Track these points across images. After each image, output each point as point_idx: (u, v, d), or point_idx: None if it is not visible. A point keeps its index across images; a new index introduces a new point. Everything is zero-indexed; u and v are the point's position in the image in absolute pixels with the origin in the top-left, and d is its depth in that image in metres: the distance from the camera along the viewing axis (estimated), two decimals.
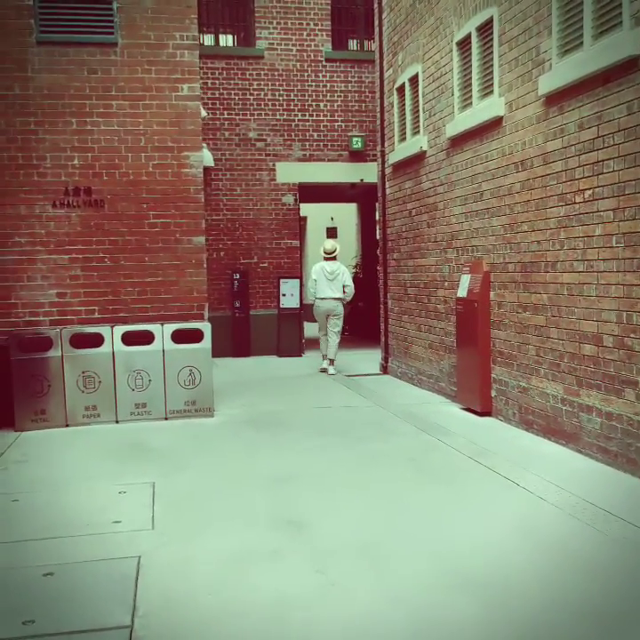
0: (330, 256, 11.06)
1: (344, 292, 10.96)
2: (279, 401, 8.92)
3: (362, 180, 13.82)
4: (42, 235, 7.75)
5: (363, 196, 16.92)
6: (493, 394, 7.49)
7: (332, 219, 22.86)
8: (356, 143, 13.74)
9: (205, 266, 8.19)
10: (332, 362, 10.95)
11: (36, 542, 4.37)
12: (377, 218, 19.41)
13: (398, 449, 6.41)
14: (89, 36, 7.81)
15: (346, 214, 22.33)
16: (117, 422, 7.72)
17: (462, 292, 7.86)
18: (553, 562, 3.89)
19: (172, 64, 8.00)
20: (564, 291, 6.16)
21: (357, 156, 13.83)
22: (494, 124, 7.27)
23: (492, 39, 7.33)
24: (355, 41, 14.28)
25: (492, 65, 7.35)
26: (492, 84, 7.34)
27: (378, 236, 20.20)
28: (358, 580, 3.71)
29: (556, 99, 6.19)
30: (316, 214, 21.42)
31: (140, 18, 7.91)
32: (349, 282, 11.04)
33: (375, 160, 13.24)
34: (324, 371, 11.02)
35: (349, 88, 13.84)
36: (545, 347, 6.48)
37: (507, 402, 7.22)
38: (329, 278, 10.90)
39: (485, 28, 7.46)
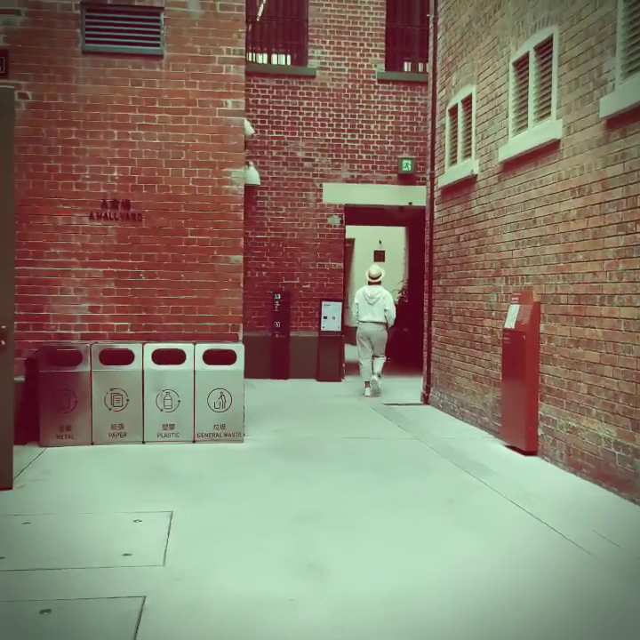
0: (374, 281, 11.19)
1: (385, 317, 11.02)
2: (313, 428, 8.57)
3: (410, 203, 13.48)
4: (77, 247, 7.59)
5: (411, 220, 16.56)
6: (540, 432, 7.02)
7: (380, 242, 22.53)
8: (406, 166, 13.42)
9: (242, 285, 7.93)
10: (379, 376, 11.10)
11: (40, 572, 4.09)
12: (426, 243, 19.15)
13: (435, 488, 6.00)
14: (134, 47, 7.67)
15: (394, 238, 21.99)
16: (144, 443, 7.46)
17: (510, 323, 7.43)
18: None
19: (218, 78, 7.81)
20: (622, 326, 5.71)
21: (407, 179, 13.50)
22: (551, 148, 6.88)
23: (550, 59, 6.96)
24: (408, 62, 14.03)
25: (550, 86, 6.97)
26: (550, 106, 6.96)
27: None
28: None
29: (618, 121, 5.78)
30: (364, 237, 21.12)
31: (186, 30, 7.76)
32: (389, 306, 11.06)
33: (425, 183, 12.93)
34: (367, 396, 10.99)
35: (401, 110, 13.55)
36: (598, 385, 6.02)
37: (554, 442, 6.75)
38: (370, 302, 11.03)
39: (544, 48, 7.09)
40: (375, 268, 11.38)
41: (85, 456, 6.96)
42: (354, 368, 14.49)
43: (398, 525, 5.02)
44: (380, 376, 11.17)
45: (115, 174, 7.66)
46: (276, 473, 6.44)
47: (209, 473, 6.40)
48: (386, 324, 11.06)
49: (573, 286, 6.46)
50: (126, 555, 4.37)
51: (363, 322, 11.02)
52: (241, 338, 7.86)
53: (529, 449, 7.09)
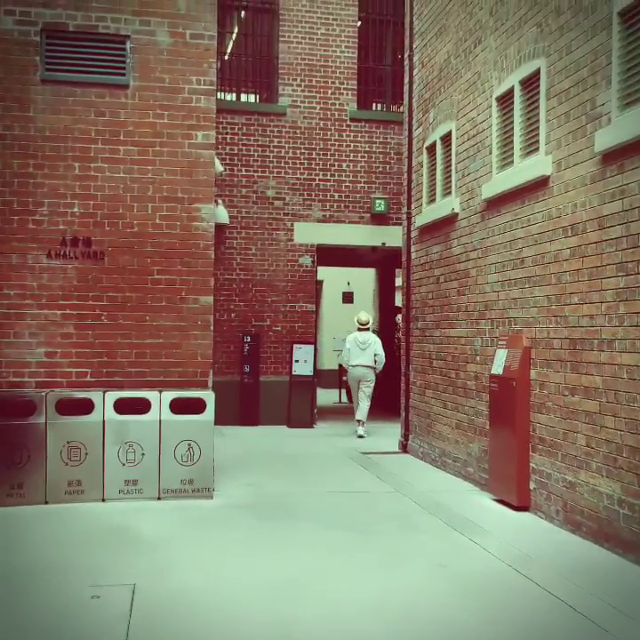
0: (364, 327, 11.87)
1: (375, 361, 11.67)
2: (287, 481, 8.00)
3: (383, 243, 13.13)
4: (33, 287, 7.01)
5: (382, 261, 16.26)
6: (532, 486, 6.56)
7: (348, 283, 22.20)
8: (379, 206, 13.10)
9: (212, 328, 7.42)
10: (361, 422, 11.53)
11: None
12: (398, 284, 18.81)
13: (424, 550, 5.48)
14: (98, 76, 7.20)
15: (363, 279, 21.68)
16: (104, 500, 6.82)
17: (498, 369, 7.01)
18: None
19: (187, 109, 7.38)
20: (624, 373, 5.31)
21: (380, 219, 13.18)
22: (539, 185, 6.55)
23: (537, 93, 6.67)
24: (380, 102, 13.79)
25: (537, 120, 6.67)
26: (538, 142, 6.65)
27: (398, 303, 19.59)
28: None
29: (615, 156, 5.46)
30: (333, 278, 20.76)
31: (154, 60, 7.33)
32: (380, 351, 11.73)
33: (398, 223, 12.59)
34: (360, 437, 11.35)
35: (374, 149, 13.28)
36: (598, 437, 5.59)
37: (548, 497, 6.29)
38: (361, 348, 11.69)
39: (530, 82, 6.81)
40: (365, 315, 12.02)
41: (39, 517, 6.32)
42: (326, 413, 14.00)
43: (388, 598, 4.48)
44: (363, 423, 11.57)
45: (75, 210, 7.13)
46: (248, 534, 5.86)
47: (175, 536, 5.80)
48: (374, 368, 11.71)
49: (567, 330, 6.07)
50: None
51: (354, 366, 11.68)
52: (211, 385, 7.32)
53: (520, 504, 6.62)
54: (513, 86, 7.09)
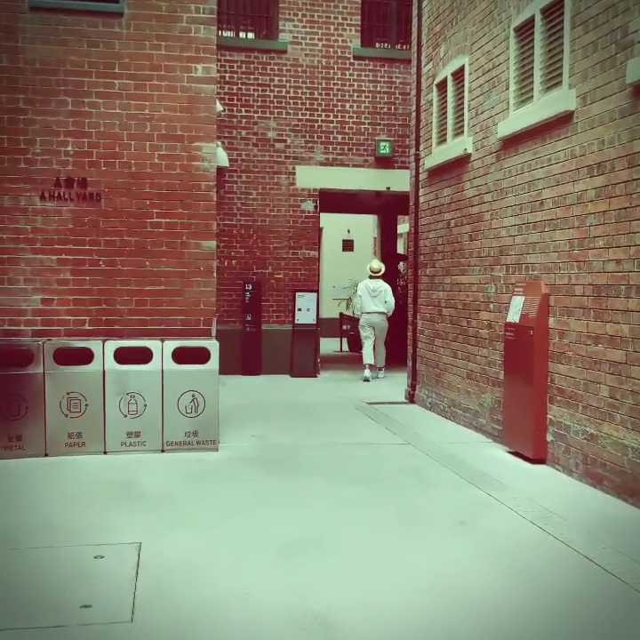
0: (376, 275, 12.16)
1: (385, 307, 12.04)
2: (293, 432, 7.77)
3: (388, 188, 12.70)
4: (27, 231, 6.66)
5: (385, 207, 15.82)
6: (549, 438, 6.33)
7: (348, 231, 21.79)
8: (384, 148, 12.62)
9: (215, 274, 7.09)
10: (380, 369, 12.17)
11: None
12: (400, 231, 18.40)
13: (442, 506, 5.26)
14: (90, 2, 6.73)
15: (363, 227, 21.29)
16: (105, 453, 6.59)
17: (514, 317, 6.72)
18: None
19: (186, 40, 6.92)
20: None
21: (384, 163, 12.72)
22: (562, 121, 6.15)
23: (561, 22, 6.22)
24: (385, 40, 13.19)
25: (560, 52, 6.24)
26: (560, 75, 6.23)
27: (401, 251, 19.21)
28: None
29: None
30: (333, 226, 20.32)
31: None
32: (389, 298, 12.06)
33: (403, 167, 12.20)
34: (366, 380, 11.76)
35: (378, 88, 12.74)
36: (624, 388, 5.33)
37: (567, 449, 6.06)
38: (372, 295, 12.04)
39: (553, 9, 6.35)
40: (377, 263, 12.35)
41: (38, 470, 6.08)
42: (329, 362, 13.77)
43: (412, 556, 4.27)
44: (382, 369, 12.17)
45: (69, 148, 6.73)
46: (257, 489, 5.63)
47: (181, 491, 5.56)
48: (387, 314, 12.04)
49: (591, 276, 5.75)
50: (85, 606, 3.55)
51: (367, 313, 12.01)
52: (214, 333, 7.02)
53: (537, 456, 6.40)
54: (533, 15, 6.63)
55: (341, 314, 17.27)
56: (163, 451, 6.68)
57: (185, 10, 6.88)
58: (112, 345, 6.63)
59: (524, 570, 4.10)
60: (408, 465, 6.40)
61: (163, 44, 6.85)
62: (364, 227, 21.33)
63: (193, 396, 6.72)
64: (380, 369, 12.16)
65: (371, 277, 12.14)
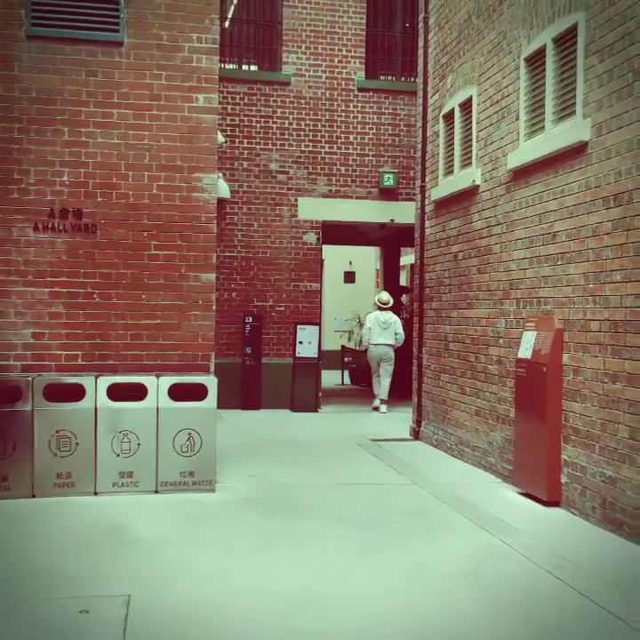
0: (385, 307, 12.20)
1: (396, 339, 12.09)
2: (294, 471, 7.46)
3: (392, 220, 12.52)
4: (18, 263, 6.43)
5: (388, 239, 15.66)
6: (564, 480, 6.03)
7: (350, 262, 21.63)
8: (388, 180, 12.47)
9: (214, 308, 6.84)
10: (383, 401, 12.04)
11: None
12: (403, 263, 18.20)
13: (453, 553, 4.95)
14: (90, 32, 6.58)
15: (364, 259, 21.15)
16: (96, 494, 6.28)
17: (525, 353, 6.45)
18: None
19: (187, 70, 6.76)
20: None
21: (388, 194, 12.54)
22: (576, 151, 5.95)
23: (574, 50, 6.05)
24: (389, 72, 13.09)
25: (573, 81, 6.06)
26: (574, 104, 6.04)
27: (403, 283, 18.99)
28: None
29: None
30: (335, 257, 20.14)
31: (151, 15, 6.70)
32: (400, 330, 12.10)
33: (407, 199, 12.03)
34: (375, 409, 12.01)
35: (382, 120, 12.62)
36: None
37: (583, 492, 5.75)
38: (383, 327, 12.04)
39: (566, 39, 6.19)
40: (386, 295, 12.38)
41: (24, 512, 5.77)
42: (330, 396, 13.47)
43: (421, 612, 3.95)
44: (385, 401, 12.08)
45: (65, 179, 6.53)
46: (256, 535, 5.31)
47: (175, 536, 5.25)
48: (393, 346, 12.09)
49: (608, 311, 5.50)
50: None
51: (375, 344, 12.02)
52: (213, 368, 6.76)
53: (551, 499, 6.09)
54: (545, 45, 6.47)
55: (343, 346, 17.00)
56: (157, 491, 6.38)
57: (187, 39, 6.73)
58: (105, 381, 6.36)
59: (541, 625, 3.81)
60: (415, 507, 6.09)
61: (163, 73, 6.68)
62: (366, 258, 21.19)
63: (189, 434, 6.44)
64: (382, 402, 12.00)
65: (380, 309, 12.19)
